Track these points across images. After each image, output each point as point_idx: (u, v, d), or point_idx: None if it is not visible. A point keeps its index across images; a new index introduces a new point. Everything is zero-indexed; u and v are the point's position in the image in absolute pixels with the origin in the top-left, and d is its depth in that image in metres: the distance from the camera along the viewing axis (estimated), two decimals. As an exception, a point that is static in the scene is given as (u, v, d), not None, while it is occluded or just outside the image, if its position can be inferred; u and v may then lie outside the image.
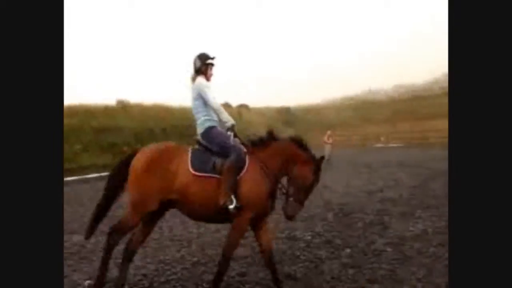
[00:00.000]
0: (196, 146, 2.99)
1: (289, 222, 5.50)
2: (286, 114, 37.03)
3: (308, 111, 39.19)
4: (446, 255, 3.79)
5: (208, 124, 2.97)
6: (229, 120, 2.95)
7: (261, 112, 35.44)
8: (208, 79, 3.03)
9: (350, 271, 3.47)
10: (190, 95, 3.00)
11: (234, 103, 37.94)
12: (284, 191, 2.91)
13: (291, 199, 2.85)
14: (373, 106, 36.98)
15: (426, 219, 5.32)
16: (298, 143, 2.97)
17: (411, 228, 4.86)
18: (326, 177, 11.09)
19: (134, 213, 2.77)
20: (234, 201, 2.68)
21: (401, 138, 32.08)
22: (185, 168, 2.77)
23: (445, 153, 19.12)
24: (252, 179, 2.78)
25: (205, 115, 2.97)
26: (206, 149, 2.93)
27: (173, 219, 6.30)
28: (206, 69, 3.05)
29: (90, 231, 2.94)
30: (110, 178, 2.92)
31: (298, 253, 4.08)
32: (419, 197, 7.04)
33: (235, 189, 2.70)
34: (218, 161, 2.80)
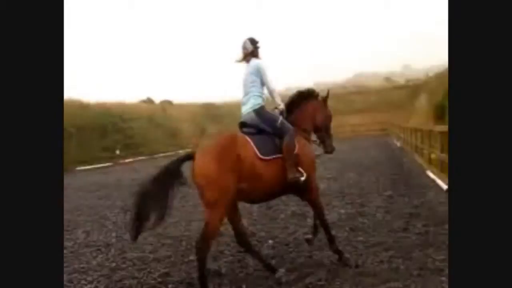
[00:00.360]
0: (245, 129, 3.11)
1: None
2: (211, 109, 36.84)
3: (235, 106, 39.42)
4: (356, 238, 4.17)
5: (260, 101, 3.13)
6: (282, 104, 3.24)
7: (185, 108, 34.71)
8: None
9: (272, 262, 3.60)
10: (244, 72, 3.24)
11: (157, 98, 36.50)
12: (318, 141, 3.57)
13: (327, 140, 3.60)
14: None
15: (341, 207, 5.77)
16: (307, 95, 3.47)
17: (327, 216, 5.20)
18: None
19: (219, 212, 2.66)
20: (304, 173, 3.00)
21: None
22: (251, 155, 2.81)
23: (358, 143, 20.98)
24: (305, 152, 3.13)
25: (259, 91, 3.13)
26: (258, 130, 3.05)
27: (90, 224, 5.87)
28: (257, 52, 3.27)
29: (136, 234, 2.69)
30: (159, 182, 2.66)
31: (222, 248, 4.09)
32: (335, 187, 7.59)
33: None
34: (278, 141, 2.99)
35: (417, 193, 6.43)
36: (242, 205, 6.25)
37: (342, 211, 5.49)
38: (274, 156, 2.92)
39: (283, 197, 6.78)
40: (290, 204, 6.22)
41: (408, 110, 31.68)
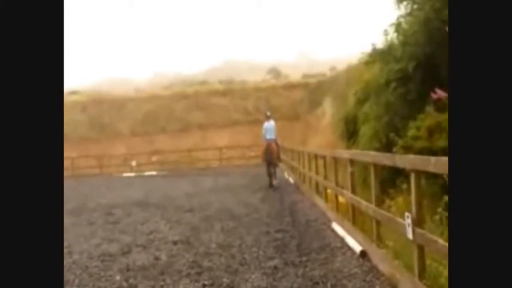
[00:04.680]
0: (273, 141, 18.99)
1: None
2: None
3: None
4: None
5: (274, 136, 19.04)
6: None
7: None
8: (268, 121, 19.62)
9: None
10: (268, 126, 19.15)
11: None
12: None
13: None
14: (115, 106, 38.39)
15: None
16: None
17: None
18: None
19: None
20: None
21: (165, 163, 34.62)
22: (276, 147, 19.83)
23: (228, 178, 21.87)
24: (279, 149, 20.71)
25: (274, 133, 19.05)
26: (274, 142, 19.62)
27: None
28: (269, 118, 19.52)
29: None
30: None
31: None
32: (184, 258, 7.70)
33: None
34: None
35: (317, 261, 7.03)
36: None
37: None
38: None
39: (89, 281, 6.56)
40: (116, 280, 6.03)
41: (307, 123, 34.89)
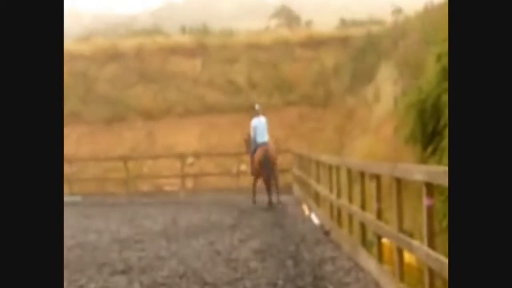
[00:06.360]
0: (266, 144, 28.64)
1: None
2: None
3: None
4: None
5: (268, 137, 29.39)
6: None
7: None
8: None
9: None
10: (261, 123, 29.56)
11: None
12: None
13: None
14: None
15: None
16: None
17: None
18: None
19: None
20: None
21: (79, 180, 34.70)
22: (274, 150, 32.03)
23: (190, 217, 21.91)
24: (276, 152, 33.08)
25: (267, 132, 29.56)
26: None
27: None
28: (258, 113, 29.93)
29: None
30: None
31: None
32: None
33: None
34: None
35: None
36: None
37: None
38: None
39: None
40: None
41: (346, 112, 35.05)
